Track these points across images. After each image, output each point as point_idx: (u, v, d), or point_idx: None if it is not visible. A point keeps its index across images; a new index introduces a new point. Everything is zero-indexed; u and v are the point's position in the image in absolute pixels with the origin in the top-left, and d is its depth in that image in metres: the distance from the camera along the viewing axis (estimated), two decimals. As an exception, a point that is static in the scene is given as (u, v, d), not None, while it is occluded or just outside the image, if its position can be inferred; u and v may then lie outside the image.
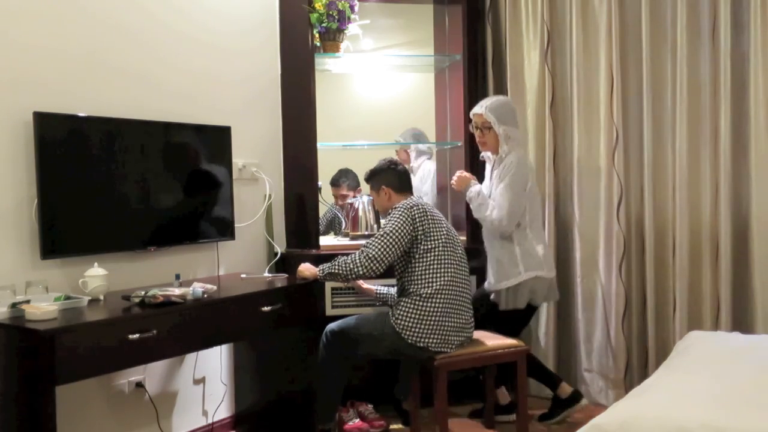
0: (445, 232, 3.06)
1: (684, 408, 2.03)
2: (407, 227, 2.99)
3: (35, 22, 2.61)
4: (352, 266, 2.97)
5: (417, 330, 2.95)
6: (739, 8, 3.34)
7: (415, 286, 3.00)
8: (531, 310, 3.36)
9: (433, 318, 2.96)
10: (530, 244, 3.27)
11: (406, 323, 2.96)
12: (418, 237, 3.01)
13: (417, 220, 3.01)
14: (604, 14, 3.62)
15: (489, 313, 3.33)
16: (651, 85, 3.55)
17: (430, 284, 2.98)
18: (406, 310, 2.98)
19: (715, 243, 3.42)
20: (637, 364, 3.64)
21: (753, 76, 3.29)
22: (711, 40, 3.41)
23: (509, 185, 3.20)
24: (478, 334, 3.23)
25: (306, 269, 3.10)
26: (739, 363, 2.45)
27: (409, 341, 2.96)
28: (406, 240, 2.99)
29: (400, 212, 3.03)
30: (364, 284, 3.33)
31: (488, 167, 3.45)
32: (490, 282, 3.36)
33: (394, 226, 2.99)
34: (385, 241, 2.96)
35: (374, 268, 2.96)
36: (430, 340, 2.96)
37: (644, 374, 3.49)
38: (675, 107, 3.48)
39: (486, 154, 3.44)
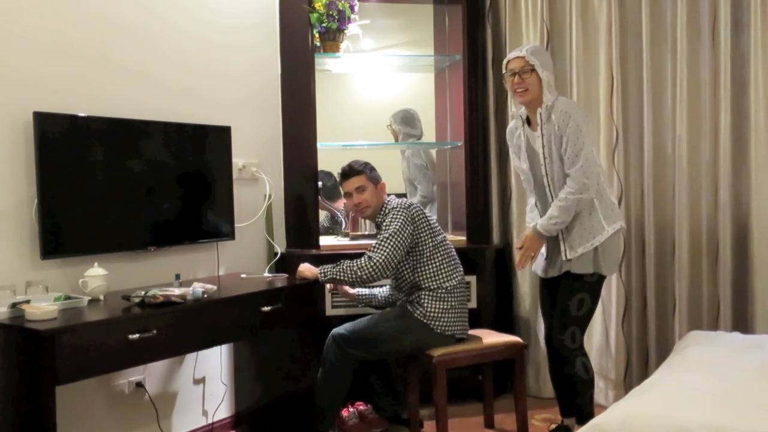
0: (440, 229, 3.19)
1: (684, 408, 2.03)
2: (408, 227, 3.04)
3: (35, 21, 2.61)
4: (359, 272, 2.96)
5: (446, 319, 3.07)
6: (739, 8, 3.34)
7: (437, 281, 3.08)
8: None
9: (458, 307, 3.11)
10: (607, 194, 2.92)
11: (435, 314, 3.06)
12: (423, 236, 3.07)
13: (416, 218, 3.07)
14: (604, 14, 3.62)
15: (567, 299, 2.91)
16: (651, 84, 3.55)
17: (452, 277, 3.11)
18: (433, 302, 3.07)
19: (715, 243, 3.42)
20: (637, 364, 3.63)
21: (753, 75, 3.29)
22: (711, 40, 3.41)
23: (582, 135, 2.79)
24: (477, 332, 3.23)
25: (306, 269, 3.10)
26: (739, 363, 2.45)
27: (438, 331, 3.06)
28: (408, 240, 3.04)
29: (399, 212, 3.06)
30: (349, 289, 3.34)
31: (524, 131, 2.98)
32: (573, 247, 2.87)
33: (397, 227, 3.02)
34: (391, 244, 2.98)
35: (381, 273, 2.97)
36: (456, 328, 3.10)
37: (644, 374, 3.49)
38: (675, 107, 3.48)
39: (520, 110, 2.98)
